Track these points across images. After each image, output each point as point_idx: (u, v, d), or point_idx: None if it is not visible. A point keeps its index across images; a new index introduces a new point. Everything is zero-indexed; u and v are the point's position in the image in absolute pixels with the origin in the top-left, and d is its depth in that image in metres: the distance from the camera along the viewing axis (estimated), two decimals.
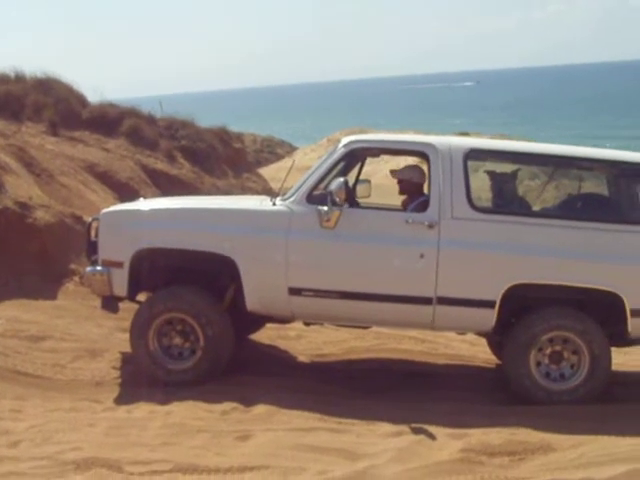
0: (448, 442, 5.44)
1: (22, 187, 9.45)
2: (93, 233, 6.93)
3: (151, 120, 14.83)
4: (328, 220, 6.35)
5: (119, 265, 6.58)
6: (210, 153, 14.99)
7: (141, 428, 5.61)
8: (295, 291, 6.46)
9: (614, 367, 6.59)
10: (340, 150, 6.67)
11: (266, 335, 7.97)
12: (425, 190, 6.93)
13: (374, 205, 7.07)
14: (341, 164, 6.75)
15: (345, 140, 6.77)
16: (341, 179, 6.35)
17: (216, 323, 6.52)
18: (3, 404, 6.17)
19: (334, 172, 6.65)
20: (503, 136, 24.56)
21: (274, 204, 6.63)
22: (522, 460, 5.21)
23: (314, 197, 6.50)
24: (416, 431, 5.59)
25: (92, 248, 6.87)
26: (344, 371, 7.36)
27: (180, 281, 6.73)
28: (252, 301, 6.52)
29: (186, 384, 6.41)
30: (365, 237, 6.44)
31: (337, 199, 6.29)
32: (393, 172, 7.22)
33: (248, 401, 6.07)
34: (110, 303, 6.92)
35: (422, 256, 6.34)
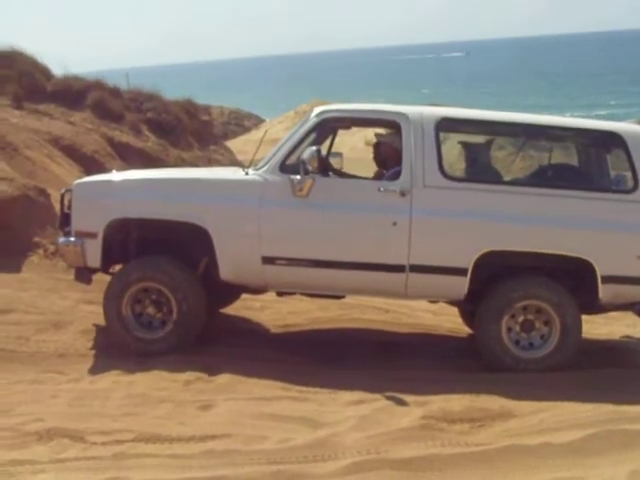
0: (410, 409, 5.50)
1: None
2: (66, 204, 6.85)
3: (116, 93, 14.67)
4: (301, 189, 6.34)
5: (92, 236, 6.52)
6: (176, 125, 14.89)
7: (104, 399, 5.61)
8: (268, 260, 6.45)
9: None
10: (312, 120, 6.64)
11: (231, 306, 7.97)
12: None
13: (346, 174, 7.08)
14: (313, 135, 6.71)
15: (317, 110, 6.74)
16: (313, 147, 6.33)
17: (192, 299, 6.50)
18: None
19: (306, 142, 6.61)
20: (472, 107, 24.54)
21: (247, 174, 6.61)
22: (482, 427, 5.28)
23: (287, 167, 6.48)
24: (378, 399, 5.65)
25: (65, 219, 6.79)
26: (308, 341, 7.40)
27: (153, 252, 6.69)
28: (225, 270, 6.50)
29: (151, 355, 6.40)
30: (338, 206, 6.42)
31: (310, 167, 6.28)
32: (377, 135, 7.20)
33: (212, 371, 6.09)
34: (83, 275, 6.87)
35: (395, 224, 6.34)
